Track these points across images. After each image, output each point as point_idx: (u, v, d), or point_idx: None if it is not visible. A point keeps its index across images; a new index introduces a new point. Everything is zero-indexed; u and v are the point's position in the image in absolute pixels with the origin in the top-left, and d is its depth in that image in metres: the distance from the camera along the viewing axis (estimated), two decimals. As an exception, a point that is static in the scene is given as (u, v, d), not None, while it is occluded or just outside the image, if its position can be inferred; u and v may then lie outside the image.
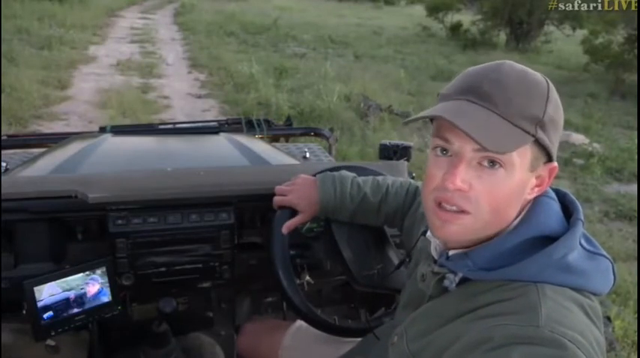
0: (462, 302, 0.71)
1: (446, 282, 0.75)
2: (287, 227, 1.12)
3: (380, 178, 1.16)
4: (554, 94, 0.71)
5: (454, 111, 0.68)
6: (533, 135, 0.67)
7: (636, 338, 2.49)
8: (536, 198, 0.74)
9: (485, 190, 0.68)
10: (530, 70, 0.72)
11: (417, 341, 0.75)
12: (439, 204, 0.71)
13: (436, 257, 0.80)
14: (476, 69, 0.73)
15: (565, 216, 0.73)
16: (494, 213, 0.69)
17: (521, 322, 0.62)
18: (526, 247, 0.69)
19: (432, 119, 0.74)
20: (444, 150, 0.71)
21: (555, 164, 0.73)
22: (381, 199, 1.12)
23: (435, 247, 0.81)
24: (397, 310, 0.96)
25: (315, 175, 1.16)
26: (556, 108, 0.71)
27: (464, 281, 0.73)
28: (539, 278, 0.66)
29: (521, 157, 0.68)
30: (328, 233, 1.17)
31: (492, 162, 0.68)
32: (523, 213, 0.73)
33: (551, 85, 0.72)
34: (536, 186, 0.72)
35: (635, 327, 2.56)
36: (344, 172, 1.15)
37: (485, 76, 0.69)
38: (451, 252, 0.75)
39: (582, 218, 0.72)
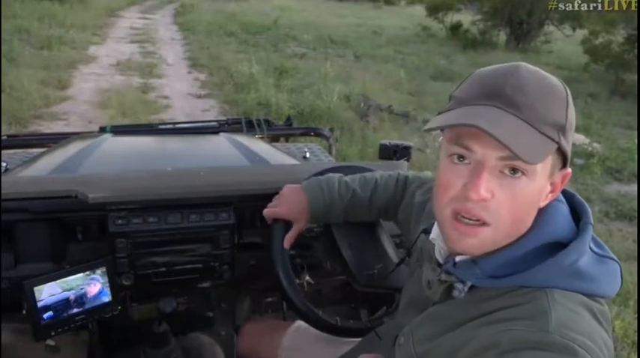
0: (470, 308, 0.70)
1: (455, 293, 0.72)
2: (287, 241, 1.11)
3: (368, 174, 1.16)
4: (571, 98, 0.69)
5: (484, 118, 0.63)
6: (557, 142, 0.65)
7: (636, 338, 2.49)
8: (548, 203, 0.72)
9: (507, 199, 0.65)
10: (546, 74, 0.69)
11: (424, 344, 0.75)
12: (457, 216, 0.68)
13: (441, 261, 0.78)
14: (491, 72, 0.69)
15: (573, 218, 0.72)
16: (514, 223, 0.67)
17: (532, 327, 0.61)
18: (536, 254, 0.68)
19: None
20: (462, 157, 0.67)
21: (569, 170, 0.71)
22: (371, 193, 1.11)
23: (439, 250, 0.79)
24: (399, 310, 0.95)
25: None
26: (573, 112, 0.69)
27: (471, 287, 0.72)
28: (548, 285, 0.66)
29: (544, 164, 0.66)
30: (328, 233, 1.17)
31: (514, 170, 0.65)
32: (535, 219, 0.71)
33: (567, 88, 0.69)
34: (550, 192, 0.71)
35: (635, 327, 2.56)
36: (330, 175, 1.15)
37: (506, 81, 0.66)
38: (458, 258, 0.73)
39: (592, 221, 0.71)
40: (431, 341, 0.73)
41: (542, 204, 0.70)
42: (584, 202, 0.75)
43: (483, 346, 0.62)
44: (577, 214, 0.73)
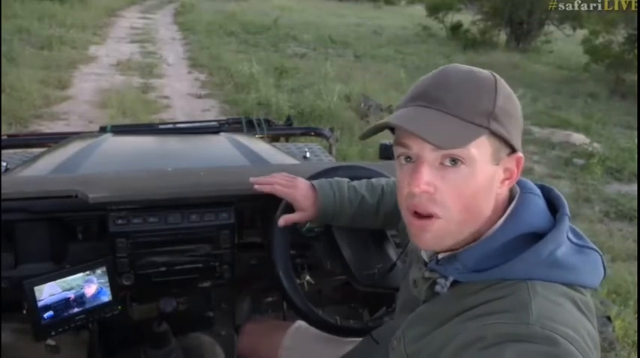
0: (455, 304, 0.71)
1: (437, 288, 0.74)
2: (285, 220, 1.10)
3: (373, 180, 1.16)
4: (504, 87, 0.72)
5: (404, 117, 0.70)
6: (486, 128, 0.68)
7: (636, 338, 2.49)
8: (521, 195, 0.74)
9: (451, 189, 0.69)
10: (476, 69, 0.73)
11: (414, 344, 0.76)
12: (413, 213, 0.72)
13: (427, 260, 0.80)
14: (425, 77, 0.74)
15: (551, 212, 0.74)
16: (464, 211, 0.70)
17: (513, 320, 0.62)
18: (514, 245, 0.70)
19: (393, 131, 0.75)
20: (408, 157, 0.72)
21: (520, 154, 0.73)
22: (378, 200, 1.12)
23: (425, 250, 0.81)
24: (395, 312, 0.96)
25: (309, 180, 1.15)
26: (507, 100, 0.71)
27: (455, 282, 0.73)
28: (529, 276, 0.67)
29: (480, 150, 0.68)
30: (328, 233, 1.17)
31: (454, 161, 0.68)
32: (508, 211, 0.73)
33: (499, 78, 0.73)
34: (506, 179, 0.73)
35: (635, 327, 2.56)
36: (338, 178, 1.15)
37: (432, 81, 0.72)
38: (440, 255, 0.76)
39: (568, 213, 0.73)
40: (420, 340, 0.74)
41: (501, 190, 0.73)
42: (561, 196, 0.76)
43: (469, 340, 0.63)
44: (555, 208, 0.74)
